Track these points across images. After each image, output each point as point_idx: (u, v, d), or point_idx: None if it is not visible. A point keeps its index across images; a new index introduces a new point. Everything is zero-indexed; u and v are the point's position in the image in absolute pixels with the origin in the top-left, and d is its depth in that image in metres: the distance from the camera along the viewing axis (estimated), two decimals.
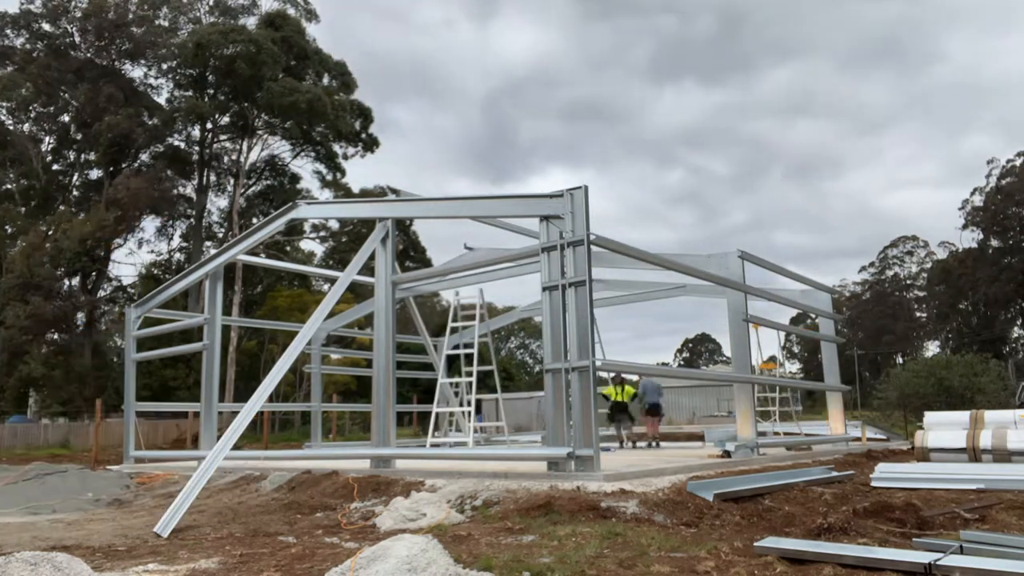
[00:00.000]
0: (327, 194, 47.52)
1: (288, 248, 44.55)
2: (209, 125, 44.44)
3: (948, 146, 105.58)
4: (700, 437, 21.05)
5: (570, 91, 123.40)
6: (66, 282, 40.44)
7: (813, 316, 21.92)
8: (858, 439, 18.53)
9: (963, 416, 13.99)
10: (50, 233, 39.09)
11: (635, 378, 20.22)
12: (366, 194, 46.62)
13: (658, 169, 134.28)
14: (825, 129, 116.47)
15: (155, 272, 44.85)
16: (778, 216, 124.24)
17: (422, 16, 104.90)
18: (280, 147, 46.30)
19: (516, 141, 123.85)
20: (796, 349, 79.83)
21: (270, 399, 21.15)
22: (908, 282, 75.52)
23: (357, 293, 33.32)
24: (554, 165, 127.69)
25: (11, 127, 42.90)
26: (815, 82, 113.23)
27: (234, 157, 45.39)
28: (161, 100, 44.99)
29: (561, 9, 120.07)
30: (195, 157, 45.16)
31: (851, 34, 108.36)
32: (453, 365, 20.12)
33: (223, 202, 46.82)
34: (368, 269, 13.37)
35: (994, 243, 58.57)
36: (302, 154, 46.65)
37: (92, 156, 42.94)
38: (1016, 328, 63.08)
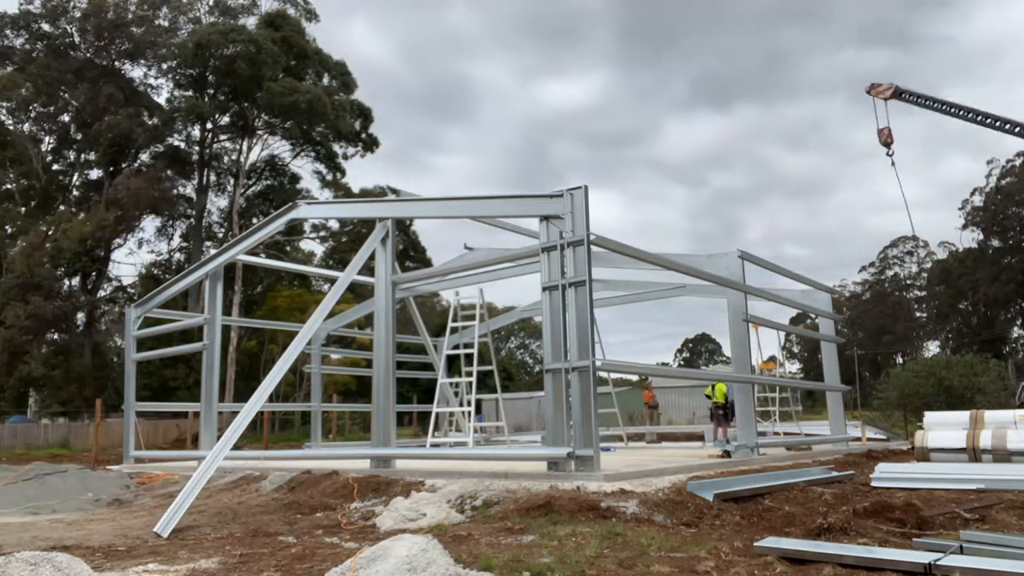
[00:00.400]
0: (327, 194, 47.49)
1: (288, 248, 44.54)
2: (209, 125, 44.41)
3: (931, 174, 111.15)
4: (700, 437, 21.04)
5: (608, 122, 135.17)
6: (66, 282, 40.40)
7: (813, 316, 21.92)
8: (858, 439, 18.54)
9: (963, 416, 14.00)
10: (50, 233, 39.07)
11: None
12: (366, 194, 46.58)
13: (680, 188, 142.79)
14: (826, 155, 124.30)
15: (155, 272, 44.80)
16: (785, 232, 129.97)
17: (490, 58, 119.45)
18: (280, 147, 46.32)
19: (551, 163, 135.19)
20: (796, 349, 79.77)
21: (270, 399, 21.14)
22: (908, 282, 75.47)
23: (357, 293, 33.30)
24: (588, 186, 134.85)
25: (11, 127, 42.86)
26: (821, 115, 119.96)
27: (234, 157, 45.38)
28: (161, 100, 45.00)
29: (610, 58, 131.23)
30: (195, 157, 45.12)
31: (853, 74, 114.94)
32: (453, 365, 20.13)
33: (223, 202, 46.81)
34: (368, 269, 13.38)
35: (994, 243, 58.52)
36: (302, 154, 46.63)
37: (92, 156, 42.90)
38: (1016, 328, 63.06)
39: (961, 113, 21.03)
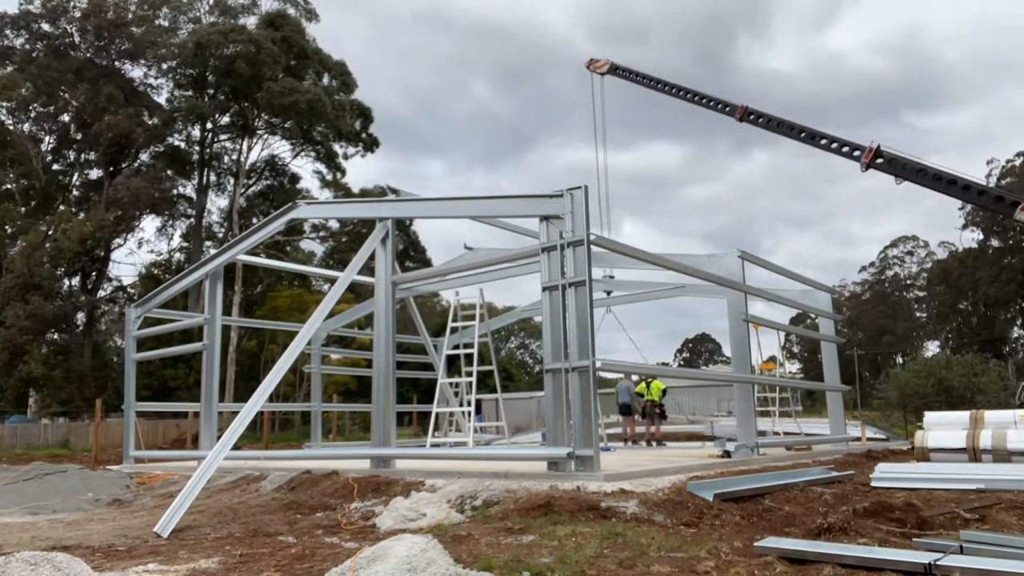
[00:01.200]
0: (327, 194, 47.48)
1: (288, 248, 44.53)
2: (209, 125, 44.41)
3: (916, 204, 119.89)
4: (700, 437, 21.02)
5: (662, 171, 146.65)
6: (66, 282, 40.41)
7: (813, 316, 21.92)
8: (858, 439, 18.54)
9: (963, 416, 14.00)
10: (50, 233, 39.07)
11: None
12: (366, 194, 46.56)
13: (716, 217, 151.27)
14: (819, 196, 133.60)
15: (155, 272, 44.78)
16: (803, 257, 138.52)
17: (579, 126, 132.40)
18: (280, 147, 46.33)
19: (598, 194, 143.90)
20: (796, 349, 79.75)
21: (270, 399, 21.12)
22: (908, 282, 75.52)
23: (357, 293, 33.31)
24: (626, 216, 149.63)
25: (11, 127, 42.85)
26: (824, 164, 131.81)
27: (234, 157, 45.38)
28: (161, 100, 45.00)
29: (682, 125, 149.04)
30: (195, 157, 45.12)
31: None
32: (453, 365, 20.13)
33: (223, 202, 46.81)
34: (368, 269, 13.38)
35: (994, 243, 58.50)
36: (302, 154, 46.63)
37: (92, 156, 42.89)
38: (1016, 328, 63.03)
39: (676, 92, 21.73)
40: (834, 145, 17.79)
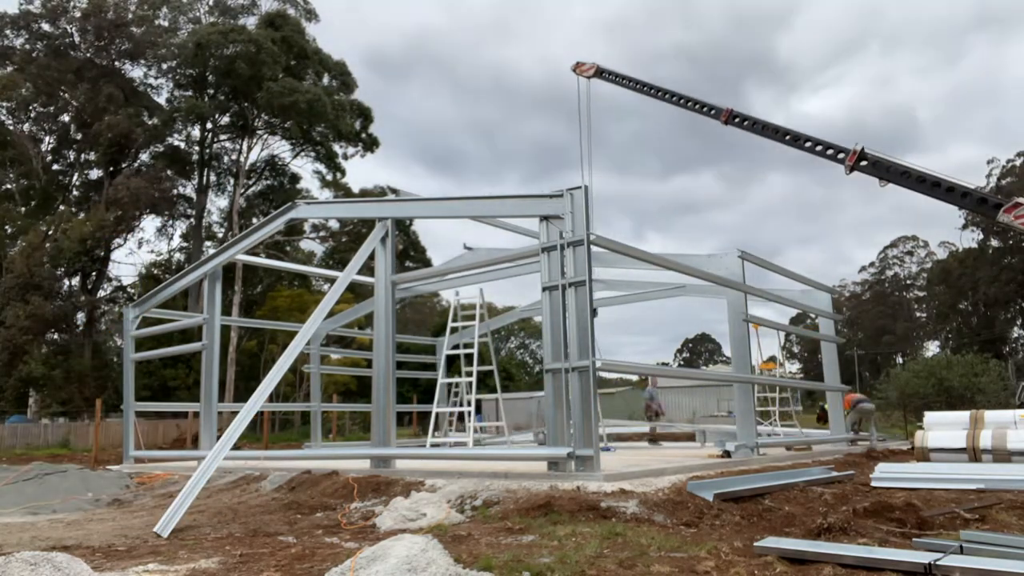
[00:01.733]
0: (327, 194, 47.48)
1: (288, 248, 44.52)
2: (209, 125, 44.40)
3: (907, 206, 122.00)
4: (693, 437, 20.97)
5: (687, 194, 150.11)
6: (66, 282, 40.40)
7: (813, 316, 21.93)
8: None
9: (963, 416, 14.01)
10: (50, 233, 39.07)
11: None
12: (366, 194, 46.54)
13: (732, 235, 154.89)
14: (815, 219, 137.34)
15: (155, 272, 44.78)
16: (812, 272, 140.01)
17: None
18: (280, 147, 46.31)
19: (625, 208, 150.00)
20: (796, 349, 79.75)
21: (270, 399, 21.12)
22: (908, 282, 75.54)
23: (357, 293, 33.30)
24: (651, 231, 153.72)
25: (11, 127, 42.84)
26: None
27: (234, 157, 45.37)
28: (161, 100, 44.98)
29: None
30: (195, 157, 45.12)
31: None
32: (453, 365, 20.13)
33: (223, 202, 46.81)
34: (368, 269, 13.38)
35: (994, 243, 58.48)
36: (302, 154, 46.62)
37: (92, 156, 42.88)
38: (1016, 328, 63.02)
39: (663, 95, 21.21)
40: (818, 148, 17.43)
